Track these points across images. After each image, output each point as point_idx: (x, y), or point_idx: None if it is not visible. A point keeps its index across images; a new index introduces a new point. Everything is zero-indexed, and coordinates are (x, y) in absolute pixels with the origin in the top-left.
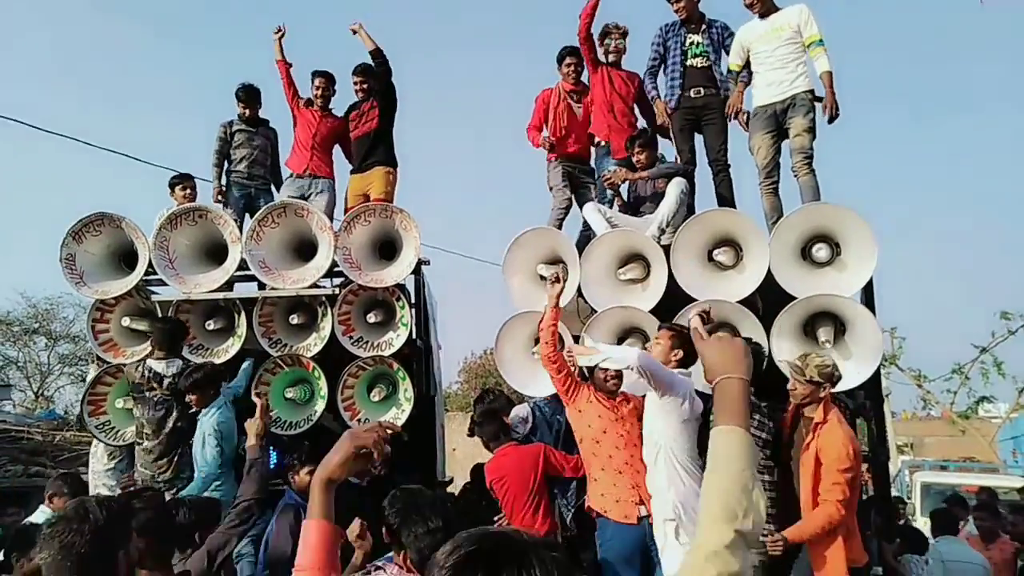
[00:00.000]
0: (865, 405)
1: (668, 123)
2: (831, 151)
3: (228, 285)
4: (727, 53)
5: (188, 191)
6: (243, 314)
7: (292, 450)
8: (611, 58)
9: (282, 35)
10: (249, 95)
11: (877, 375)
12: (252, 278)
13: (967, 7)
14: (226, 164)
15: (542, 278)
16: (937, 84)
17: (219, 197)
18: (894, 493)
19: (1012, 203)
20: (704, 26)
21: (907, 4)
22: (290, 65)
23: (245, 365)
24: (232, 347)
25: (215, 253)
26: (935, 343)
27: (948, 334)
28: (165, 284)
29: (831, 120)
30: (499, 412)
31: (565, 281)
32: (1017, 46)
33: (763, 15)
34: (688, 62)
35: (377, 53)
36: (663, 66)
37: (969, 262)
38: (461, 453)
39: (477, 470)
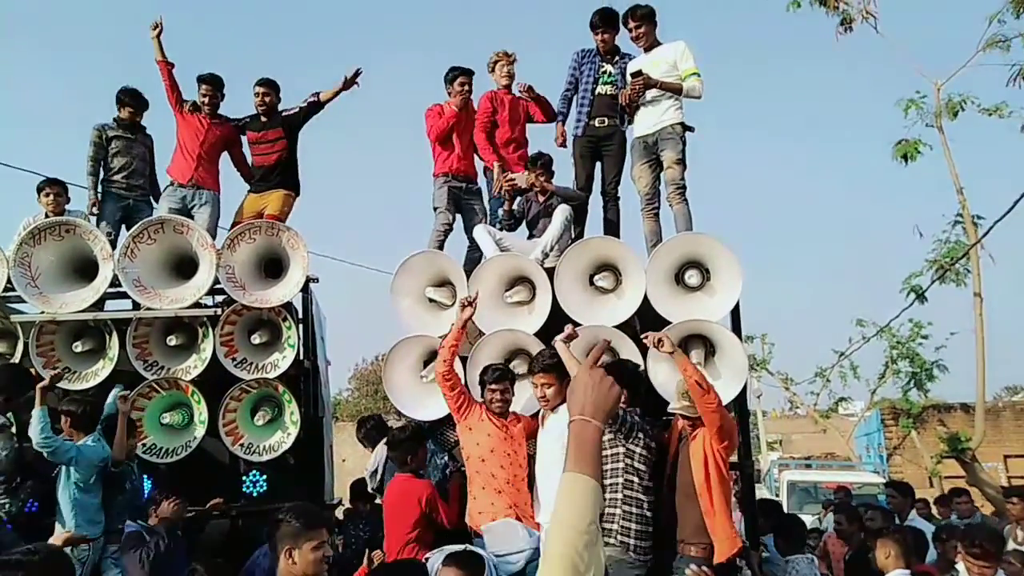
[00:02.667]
0: (733, 418)
1: (562, 143)
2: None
3: (99, 304)
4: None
5: (55, 197)
6: (115, 335)
7: (164, 481)
8: (503, 83)
9: (160, 31)
10: (136, 99)
11: (743, 392)
12: (126, 296)
13: None
14: (101, 172)
15: (431, 301)
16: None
17: (94, 209)
18: (765, 494)
19: (870, 222)
20: (617, 57)
21: None
22: (172, 65)
23: (113, 393)
24: (103, 370)
25: (84, 270)
26: (801, 348)
27: (812, 340)
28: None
29: (630, 100)
30: (422, 440)
31: (475, 305)
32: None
33: (647, 49)
34: (598, 90)
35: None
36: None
37: (832, 275)
38: (352, 464)
39: (356, 486)
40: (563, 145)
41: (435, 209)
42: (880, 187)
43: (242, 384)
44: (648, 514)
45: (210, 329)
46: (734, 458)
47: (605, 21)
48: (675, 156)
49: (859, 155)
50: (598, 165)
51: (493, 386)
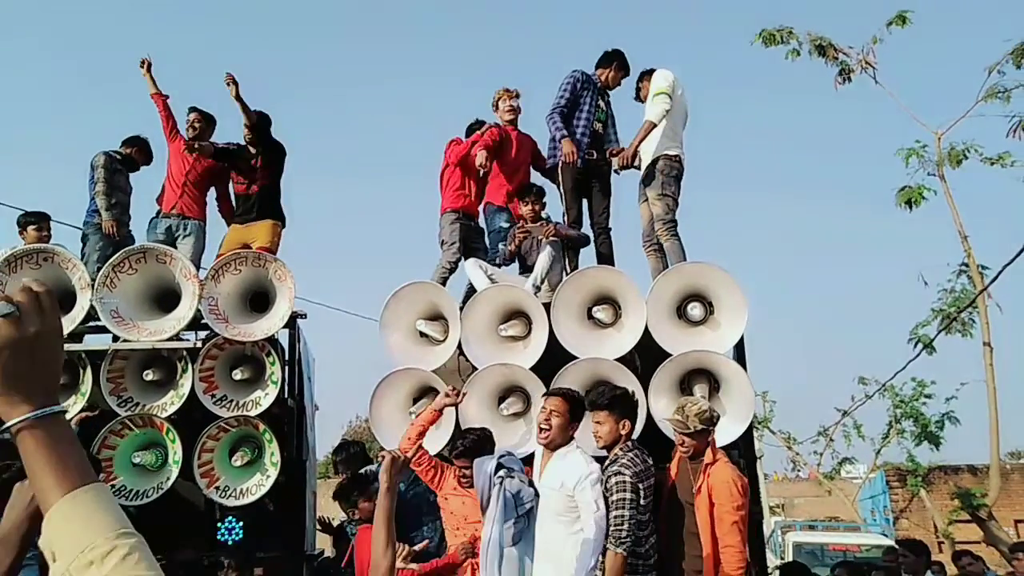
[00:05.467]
0: (740, 463)
1: (572, 161)
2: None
3: (76, 336)
4: (612, 125)
5: (44, 233)
6: (89, 368)
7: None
8: (507, 118)
9: (148, 67)
10: (146, 149)
11: (750, 432)
12: (104, 329)
13: None
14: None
15: (422, 335)
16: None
17: (113, 229)
18: (771, 558)
19: (872, 276)
20: (608, 96)
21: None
22: (167, 97)
23: None
24: (74, 406)
25: (61, 300)
26: (803, 407)
27: (815, 399)
28: None
29: (618, 169)
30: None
31: (458, 402)
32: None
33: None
34: (594, 124)
35: (252, 125)
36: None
37: (834, 332)
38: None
39: (339, 530)
40: (574, 163)
41: (443, 243)
42: (881, 239)
43: (220, 422)
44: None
45: (189, 364)
46: None
47: (624, 63)
48: (656, 192)
49: (859, 206)
50: (584, 201)
51: (456, 462)
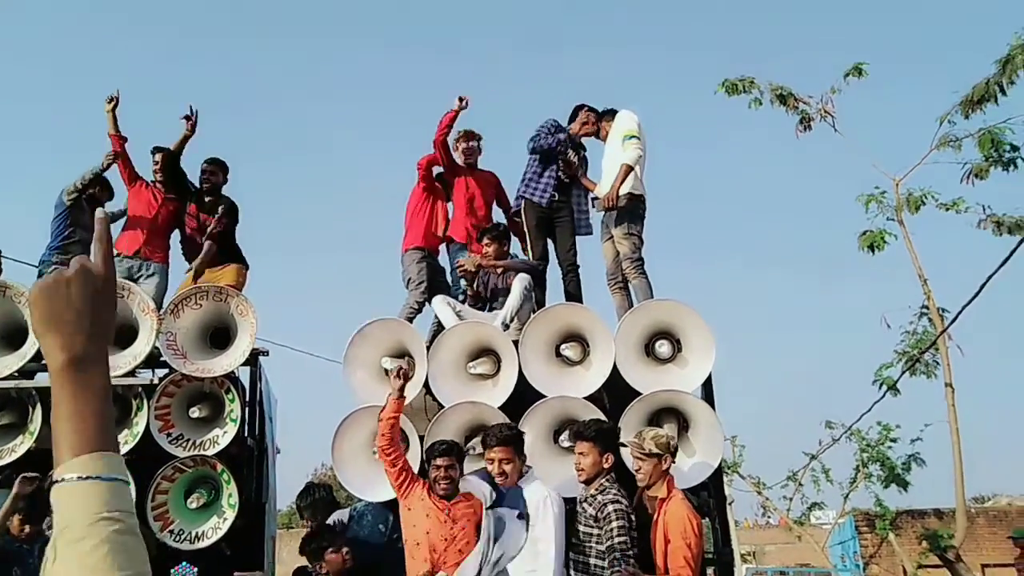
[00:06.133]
0: (708, 503)
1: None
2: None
3: (28, 374)
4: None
5: None
6: (40, 407)
7: None
8: (467, 161)
9: (115, 105)
10: (109, 184)
11: (719, 473)
12: None
13: None
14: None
15: (387, 372)
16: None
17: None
18: None
19: (830, 323)
20: (583, 150)
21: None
22: (125, 139)
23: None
24: (21, 446)
25: (12, 336)
26: (773, 453)
27: (783, 444)
28: None
29: (605, 211)
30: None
31: (410, 374)
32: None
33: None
34: (559, 173)
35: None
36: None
37: (800, 377)
38: None
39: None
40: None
41: (408, 282)
42: (845, 283)
43: (176, 462)
44: None
45: (144, 401)
46: (711, 552)
47: (589, 108)
48: (623, 231)
49: (821, 250)
50: (549, 241)
51: (437, 461)
